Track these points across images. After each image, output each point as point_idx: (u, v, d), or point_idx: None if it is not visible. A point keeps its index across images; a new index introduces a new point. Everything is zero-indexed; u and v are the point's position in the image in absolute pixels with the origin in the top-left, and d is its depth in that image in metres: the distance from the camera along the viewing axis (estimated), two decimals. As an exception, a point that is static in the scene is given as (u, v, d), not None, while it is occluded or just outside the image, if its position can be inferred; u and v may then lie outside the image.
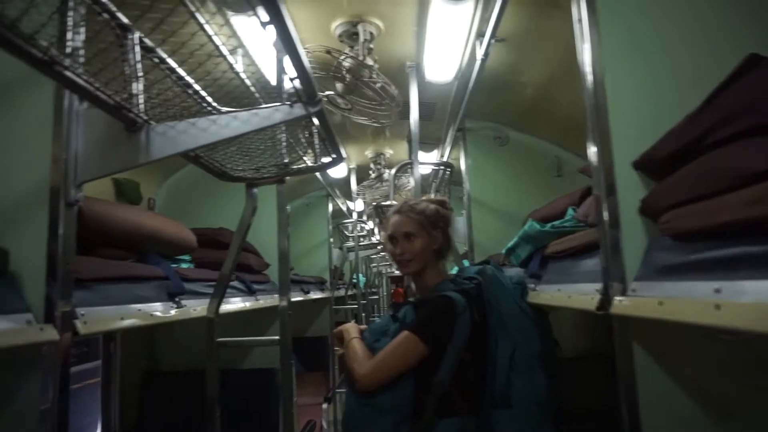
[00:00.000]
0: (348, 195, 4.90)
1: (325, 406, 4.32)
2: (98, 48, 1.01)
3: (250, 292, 2.53)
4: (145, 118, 1.10)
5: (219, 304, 1.75)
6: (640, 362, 1.03)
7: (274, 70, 2.31)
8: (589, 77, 1.10)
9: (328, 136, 1.36)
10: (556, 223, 1.77)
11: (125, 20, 1.07)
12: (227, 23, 1.94)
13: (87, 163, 1.11)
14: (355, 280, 5.77)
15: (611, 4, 1.12)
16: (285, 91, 1.71)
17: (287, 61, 0.98)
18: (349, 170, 4.49)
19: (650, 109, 1.08)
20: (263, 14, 0.78)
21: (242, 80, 1.55)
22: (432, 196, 1.76)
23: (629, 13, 1.14)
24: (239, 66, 1.54)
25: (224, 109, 1.24)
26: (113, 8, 1.03)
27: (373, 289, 7.12)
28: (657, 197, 0.95)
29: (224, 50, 1.40)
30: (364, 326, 1.68)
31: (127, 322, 1.33)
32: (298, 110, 1.10)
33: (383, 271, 8.87)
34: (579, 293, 1.29)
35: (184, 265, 2.22)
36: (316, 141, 1.67)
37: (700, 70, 1.01)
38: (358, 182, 4.63)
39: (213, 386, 1.73)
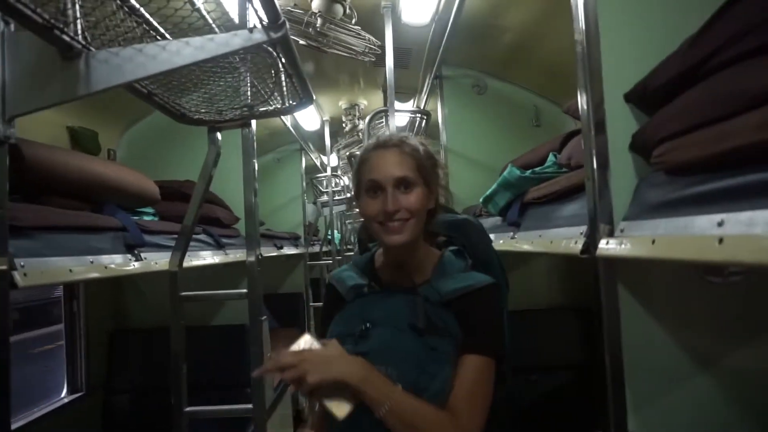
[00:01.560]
0: (322, 149, 4.76)
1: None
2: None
3: (218, 246, 2.44)
4: (83, 43, 0.97)
5: (182, 257, 1.65)
6: (625, 307, 0.98)
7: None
8: (581, 7, 1.00)
9: (294, 71, 1.24)
10: (537, 168, 1.71)
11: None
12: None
13: (18, 94, 0.98)
14: (330, 237, 5.70)
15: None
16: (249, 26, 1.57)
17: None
18: (323, 122, 4.33)
19: (644, 40, 0.99)
20: None
21: (196, 9, 1.41)
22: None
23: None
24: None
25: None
26: None
27: (349, 246, 7.08)
28: (650, 130, 0.88)
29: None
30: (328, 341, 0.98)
31: (78, 275, 1.23)
32: (259, 35, 0.98)
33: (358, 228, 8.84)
34: (561, 238, 1.23)
35: (146, 218, 2.10)
36: (284, 81, 1.55)
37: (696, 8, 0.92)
38: (332, 135, 4.49)
39: (178, 342, 1.65)
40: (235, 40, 1.00)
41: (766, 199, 0.57)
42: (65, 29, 0.93)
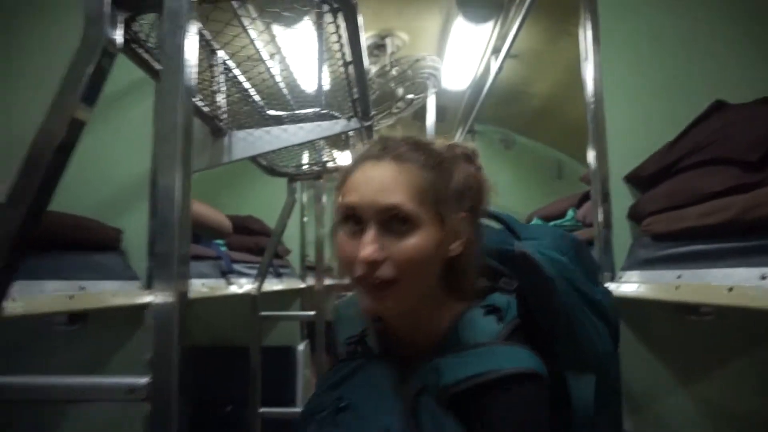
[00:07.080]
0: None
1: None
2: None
3: (277, 275, 2.79)
4: (229, 126, 1.35)
5: (262, 284, 2.01)
6: (624, 337, 1.29)
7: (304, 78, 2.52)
8: (591, 100, 1.35)
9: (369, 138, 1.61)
10: (557, 222, 2.03)
11: (216, 45, 1.31)
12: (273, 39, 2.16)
13: (180, 161, 1.36)
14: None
15: (613, 36, 1.37)
16: (323, 100, 1.96)
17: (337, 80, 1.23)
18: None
19: (640, 131, 1.33)
20: (348, 51, 1.02)
21: (282, 90, 1.78)
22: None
23: (628, 46, 1.39)
24: (277, 73, 1.79)
25: (283, 114, 1.49)
26: (209, 36, 1.27)
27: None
28: (641, 205, 1.21)
29: (265, 56, 1.64)
30: None
31: (200, 294, 1.59)
32: (354, 124, 1.35)
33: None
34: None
35: (221, 248, 2.46)
36: (352, 143, 1.92)
37: (681, 104, 1.26)
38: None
39: (256, 358, 1.98)
40: (336, 127, 1.36)
41: (703, 261, 0.90)
42: (218, 116, 1.31)
